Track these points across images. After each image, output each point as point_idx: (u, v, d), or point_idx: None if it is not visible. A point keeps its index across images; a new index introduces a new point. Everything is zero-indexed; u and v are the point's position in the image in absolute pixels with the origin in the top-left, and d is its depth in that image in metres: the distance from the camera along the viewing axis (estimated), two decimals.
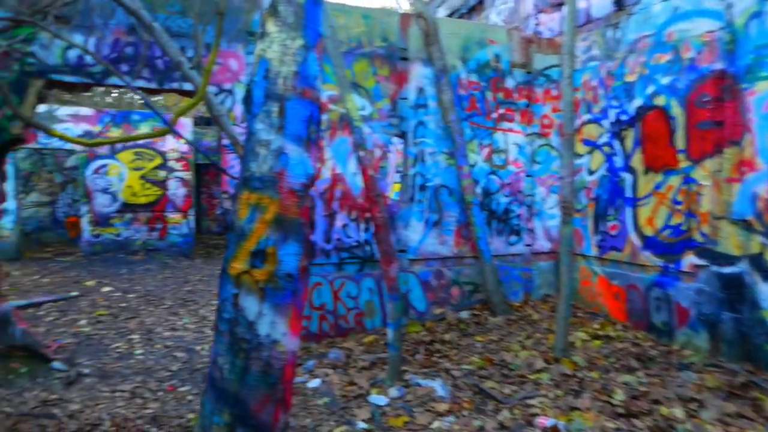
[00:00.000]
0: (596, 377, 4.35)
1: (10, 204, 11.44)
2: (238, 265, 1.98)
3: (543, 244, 6.60)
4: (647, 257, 5.41)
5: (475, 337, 5.35)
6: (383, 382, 4.34)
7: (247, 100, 2.07)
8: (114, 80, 4.92)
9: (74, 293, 8.47)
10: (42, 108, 11.76)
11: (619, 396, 3.94)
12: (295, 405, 4.12)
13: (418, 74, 5.86)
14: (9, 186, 11.50)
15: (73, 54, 4.75)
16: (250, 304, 1.96)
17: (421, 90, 5.89)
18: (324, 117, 5.52)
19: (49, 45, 4.61)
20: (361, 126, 4.47)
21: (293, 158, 2.05)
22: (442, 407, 3.89)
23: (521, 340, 5.23)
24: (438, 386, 4.20)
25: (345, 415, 3.88)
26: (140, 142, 12.49)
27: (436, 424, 3.66)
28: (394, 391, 4.16)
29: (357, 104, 5.55)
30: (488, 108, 6.22)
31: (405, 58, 5.80)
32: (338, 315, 5.58)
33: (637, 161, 5.56)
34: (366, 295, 5.70)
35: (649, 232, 5.40)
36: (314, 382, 4.53)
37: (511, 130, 6.36)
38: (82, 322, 6.88)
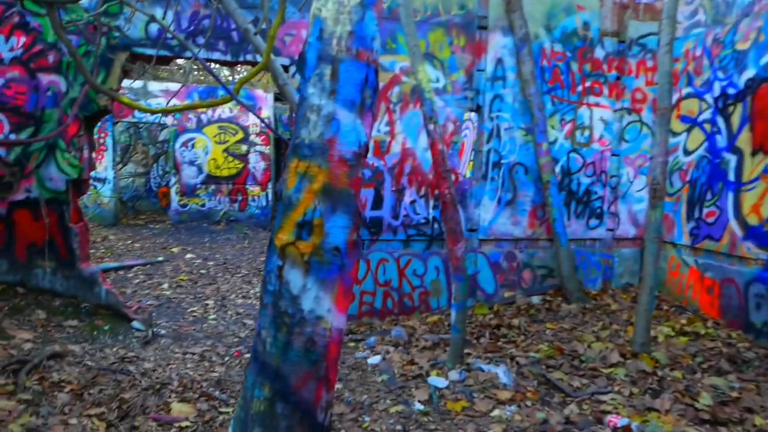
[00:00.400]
0: (679, 377, 3.95)
1: (109, 174, 12.34)
2: (284, 236, 1.90)
3: (627, 230, 6.10)
4: (749, 249, 4.82)
5: (546, 324, 5.06)
6: (444, 363, 4.20)
7: (300, 63, 1.97)
8: (191, 53, 5.02)
9: (160, 258, 9.01)
10: (138, 83, 12.51)
11: (705, 400, 3.55)
12: (354, 380, 4.09)
13: (497, 44, 5.52)
14: (108, 157, 12.40)
15: (154, 27, 4.90)
16: (295, 278, 1.88)
17: (499, 61, 5.55)
18: (396, 89, 5.36)
19: (132, 18, 4.77)
20: (432, 98, 4.26)
21: (345, 125, 1.92)
22: (505, 395, 3.69)
23: (596, 330, 4.87)
24: (501, 373, 4.00)
25: (402, 395, 3.79)
26: (224, 117, 12.97)
27: (496, 413, 3.49)
28: (454, 374, 4.01)
29: (430, 76, 5.33)
30: (573, 80, 5.76)
31: (483, 27, 5.47)
32: (403, 292, 5.48)
33: (744, 141, 4.93)
34: (432, 273, 5.55)
35: (753, 221, 4.80)
36: (374, 359, 4.49)
37: (597, 104, 5.86)
38: (165, 285, 7.30)
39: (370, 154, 5.29)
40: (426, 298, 5.55)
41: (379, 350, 4.68)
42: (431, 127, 4.32)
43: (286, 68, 5.21)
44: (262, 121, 3.04)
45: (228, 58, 5.08)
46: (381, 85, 5.30)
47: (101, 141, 12.28)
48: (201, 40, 4.95)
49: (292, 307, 1.87)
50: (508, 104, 5.61)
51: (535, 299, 5.60)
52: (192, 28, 4.93)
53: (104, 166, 12.35)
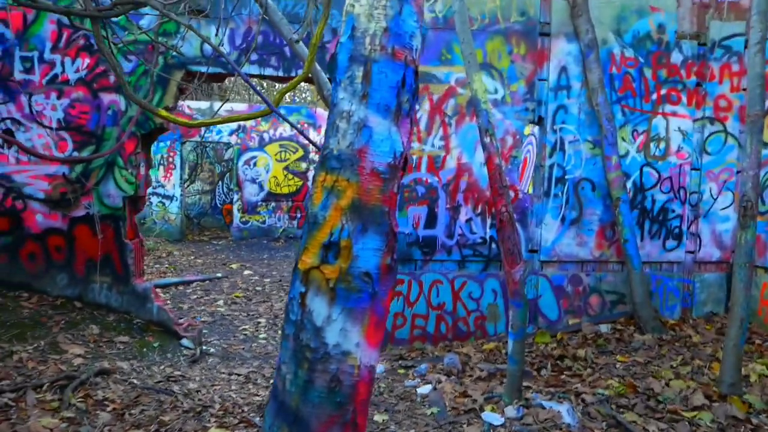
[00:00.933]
0: None
1: (176, 191, 12.79)
2: (308, 259, 1.69)
3: (710, 252, 5.47)
4: None
5: (616, 357, 4.56)
6: (500, 397, 3.83)
7: (332, 66, 1.77)
8: (245, 69, 5.01)
9: (218, 274, 9.13)
10: (205, 103, 12.97)
11: None
12: (401, 412, 3.81)
13: (561, 51, 5.15)
14: (176, 175, 12.87)
15: (208, 45, 4.92)
16: (318, 307, 1.66)
17: (563, 69, 5.17)
18: (451, 102, 5.11)
19: (187, 37, 4.82)
20: (488, 109, 3.98)
21: (378, 133, 1.70)
22: None
23: (675, 366, 4.32)
24: (565, 411, 3.58)
25: (453, 431, 3.47)
26: (285, 135, 13.18)
27: None
28: (511, 410, 3.64)
29: (488, 87, 5.05)
30: (646, 88, 5.28)
31: (546, 34, 5.13)
32: (457, 317, 5.15)
33: None
34: (489, 297, 5.19)
35: None
36: (425, 389, 4.19)
37: (674, 114, 5.34)
38: (220, 302, 7.33)
39: (423, 170, 5.06)
40: (482, 323, 5.18)
41: (430, 379, 4.37)
42: (487, 140, 4.02)
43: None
44: (300, 133, 2.88)
45: (280, 73, 5.03)
46: (436, 97, 5.07)
47: (170, 160, 12.78)
48: (254, 57, 4.92)
49: (314, 340, 1.64)
50: (573, 115, 5.21)
51: (604, 328, 5.09)
52: (244, 44, 4.92)
53: (172, 183, 12.82)
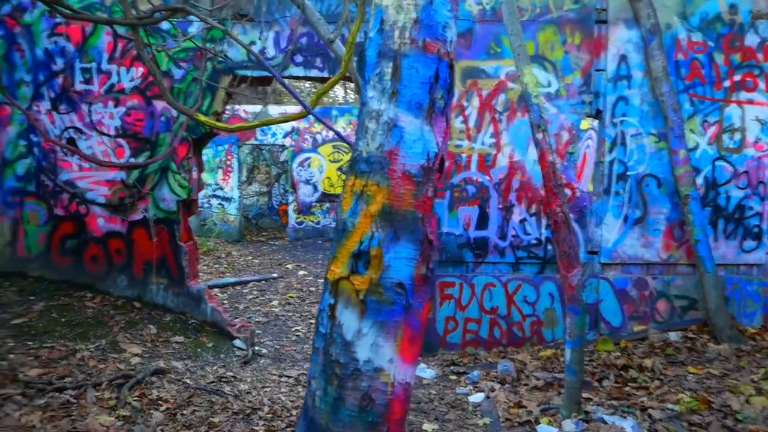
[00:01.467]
0: None
1: (234, 193, 13.14)
2: (337, 269, 1.59)
3: None
4: None
5: (688, 368, 4.20)
6: (558, 409, 3.61)
7: (360, 63, 1.67)
8: (290, 72, 5.01)
9: (274, 275, 9.27)
10: (259, 108, 13.25)
11: None
12: (451, 421, 3.66)
13: (620, 39, 4.82)
14: (233, 177, 13.24)
15: (254, 50, 4.95)
16: (348, 320, 1.56)
17: (622, 58, 4.84)
18: (501, 97, 4.90)
19: (234, 42, 4.86)
20: (539, 103, 3.76)
21: (409, 133, 1.58)
22: None
23: (757, 380, 3.93)
24: (629, 427, 3.31)
25: None
26: (337, 137, 13.22)
27: None
28: (569, 424, 3.41)
29: (541, 80, 4.80)
30: (717, 75, 4.85)
31: (603, 21, 4.82)
32: (512, 321, 4.93)
33: None
34: (546, 301, 4.94)
35: None
36: (477, 397, 4.02)
37: (751, 102, 4.87)
38: (275, 302, 7.42)
39: (473, 169, 4.88)
40: (539, 329, 4.94)
41: (483, 387, 4.20)
42: (540, 136, 3.80)
43: None
44: (338, 135, 2.80)
45: (325, 74, 4.99)
46: (485, 93, 4.87)
47: (228, 163, 13.15)
48: (299, 59, 4.91)
49: (344, 355, 1.54)
50: (634, 107, 4.86)
51: (673, 336, 4.72)
52: (289, 47, 4.91)
53: (230, 186, 13.18)
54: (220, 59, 4.88)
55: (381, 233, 1.55)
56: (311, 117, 12.72)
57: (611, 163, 4.90)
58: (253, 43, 4.90)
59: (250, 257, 11.31)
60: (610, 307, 4.91)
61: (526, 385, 4.17)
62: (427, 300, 1.68)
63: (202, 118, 2.62)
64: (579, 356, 3.59)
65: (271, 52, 4.95)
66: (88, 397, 3.69)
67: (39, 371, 3.89)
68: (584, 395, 3.76)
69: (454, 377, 4.50)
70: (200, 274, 9.38)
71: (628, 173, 4.90)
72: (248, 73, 4.95)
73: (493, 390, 4.10)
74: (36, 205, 5.15)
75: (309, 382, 1.66)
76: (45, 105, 5.04)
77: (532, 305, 4.94)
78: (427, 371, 4.61)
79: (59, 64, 4.98)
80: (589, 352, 4.61)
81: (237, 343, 5.08)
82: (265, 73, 4.92)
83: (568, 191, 4.90)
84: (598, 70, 4.84)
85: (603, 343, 4.72)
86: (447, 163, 4.92)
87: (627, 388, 3.96)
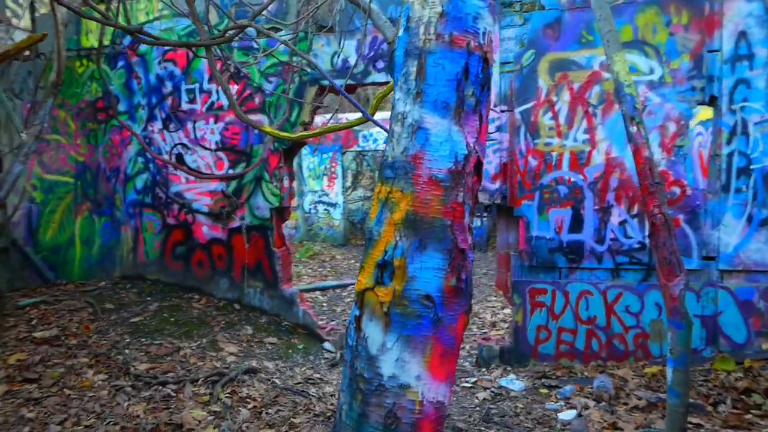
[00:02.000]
0: None
1: (339, 198, 13.60)
2: (363, 279, 1.53)
3: None
4: None
5: None
6: None
7: (390, 65, 1.60)
8: (372, 78, 5.04)
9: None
10: (357, 114, 13.58)
11: None
12: None
13: (738, 13, 4.21)
14: (338, 183, 13.69)
15: (338, 59, 5.06)
16: (373, 333, 1.49)
17: (742, 35, 4.22)
18: (595, 89, 4.51)
19: (319, 54, 5.00)
20: (633, 93, 3.38)
21: (435, 135, 1.47)
22: None
23: None
24: None
25: None
26: None
27: None
28: None
29: (641, 67, 4.36)
30: None
31: None
32: (612, 333, 4.51)
33: None
34: (652, 311, 4.45)
35: None
36: (568, 414, 3.72)
37: None
38: None
39: (564, 168, 4.55)
40: (643, 342, 4.46)
41: (575, 403, 3.87)
42: (634, 129, 3.43)
43: None
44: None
45: None
46: (576, 86, 4.53)
47: (332, 170, 13.64)
48: (380, 65, 4.92)
49: (368, 370, 1.48)
50: (758, 90, 4.22)
51: None
52: (372, 53, 4.94)
53: (335, 192, 13.65)
54: (305, 71, 5.05)
55: (405, 242, 1.46)
56: None
57: (730, 155, 4.30)
58: (336, 53, 5.01)
59: (353, 260, 11.60)
60: (732, 320, 4.29)
61: (625, 404, 3.78)
62: (461, 313, 1.56)
63: (267, 129, 2.71)
64: (683, 377, 3.16)
65: (354, 60, 5.02)
66: (186, 391, 3.99)
67: (147, 366, 4.28)
68: (694, 420, 3.32)
69: (544, 391, 4.21)
70: (304, 276, 9.82)
71: (751, 167, 4.26)
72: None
73: (586, 408, 3.77)
74: (152, 215, 5.71)
75: (339, 395, 1.62)
76: (158, 125, 5.58)
77: (635, 316, 4.47)
78: (515, 383, 4.37)
79: (168, 87, 5.48)
80: (705, 371, 4.08)
81: (326, 345, 5.21)
82: (350, 81, 5.00)
83: (676, 189, 4.39)
84: (710, 51, 4.27)
85: (722, 361, 4.13)
86: (535, 163, 4.65)
87: (748, 416, 3.42)
